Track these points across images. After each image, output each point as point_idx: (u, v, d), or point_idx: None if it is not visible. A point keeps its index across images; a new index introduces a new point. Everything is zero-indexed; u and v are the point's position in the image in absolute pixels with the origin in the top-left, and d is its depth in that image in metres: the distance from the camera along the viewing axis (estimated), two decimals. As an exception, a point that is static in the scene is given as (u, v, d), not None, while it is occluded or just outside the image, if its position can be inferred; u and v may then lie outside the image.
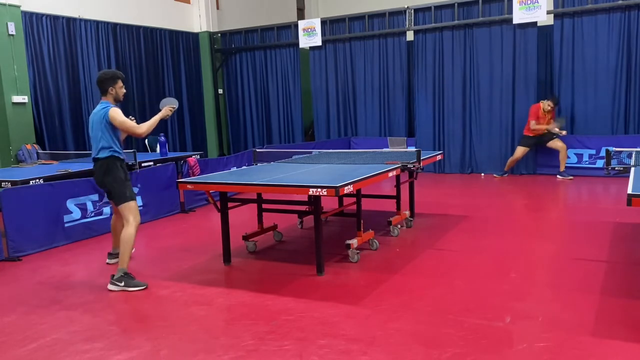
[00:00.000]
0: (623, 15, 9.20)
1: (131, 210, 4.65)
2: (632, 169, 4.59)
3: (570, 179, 9.24)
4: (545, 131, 9.29)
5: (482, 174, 10.19)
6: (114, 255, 5.25)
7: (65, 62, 9.99)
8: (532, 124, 9.26)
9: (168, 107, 4.94)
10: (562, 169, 9.37)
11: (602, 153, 9.08)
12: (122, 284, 4.50)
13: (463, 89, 10.52)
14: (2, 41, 8.76)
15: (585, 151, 9.54)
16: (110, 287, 4.53)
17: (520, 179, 9.62)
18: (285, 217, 6.41)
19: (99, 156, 4.68)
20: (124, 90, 4.81)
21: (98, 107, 4.71)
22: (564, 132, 9.34)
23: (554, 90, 9.92)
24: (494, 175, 9.88)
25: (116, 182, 4.67)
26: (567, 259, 4.92)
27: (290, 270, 4.91)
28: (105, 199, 6.60)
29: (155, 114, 4.86)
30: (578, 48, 9.56)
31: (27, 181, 5.95)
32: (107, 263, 5.29)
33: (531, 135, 9.39)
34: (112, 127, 4.64)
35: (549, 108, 9.19)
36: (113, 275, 4.57)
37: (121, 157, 4.74)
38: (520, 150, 9.55)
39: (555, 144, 9.35)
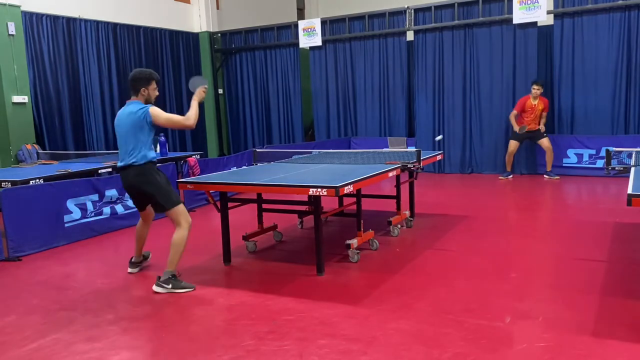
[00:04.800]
0: (623, 15, 9.20)
1: (181, 214, 4.48)
2: (632, 169, 4.59)
3: (557, 179, 9.27)
4: (536, 126, 9.28)
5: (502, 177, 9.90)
6: (136, 264, 5.00)
7: (65, 62, 10.00)
8: (512, 113, 9.33)
9: (201, 88, 4.60)
10: (548, 168, 9.42)
11: (602, 153, 9.08)
12: (170, 286, 4.37)
13: (463, 89, 10.52)
14: (2, 41, 8.77)
15: (585, 151, 9.54)
16: (156, 289, 4.38)
17: (520, 179, 9.62)
18: (285, 217, 6.40)
19: (133, 162, 4.42)
20: (157, 93, 4.59)
21: (131, 108, 4.44)
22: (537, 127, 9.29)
23: (554, 89, 9.92)
24: (500, 177, 9.81)
25: (160, 188, 4.46)
26: (567, 259, 4.92)
27: (290, 270, 4.91)
28: (106, 200, 6.61)
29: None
30: (578, 48, 9.56)
31: (27, 181, 5.95)
32: (130, 272, 4.96)
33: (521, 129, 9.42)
34: (154, 128, 4.45)
35: (538, 92, 9.16)
36: (159, 277, 4.43)
37: (156, 162, 4.59)
38: (511, 144, 9.56)
39: (543, 144, 9.36)
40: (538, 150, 9.72)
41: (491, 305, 3.87)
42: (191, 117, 4.45)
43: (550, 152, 9.33)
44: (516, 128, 9.30)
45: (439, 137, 5.30)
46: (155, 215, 4.88)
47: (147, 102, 4.52)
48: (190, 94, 4.75)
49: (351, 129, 11.99)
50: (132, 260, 5.03)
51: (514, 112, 9.41)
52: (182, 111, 12.56)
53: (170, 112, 12.20)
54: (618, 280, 4.32)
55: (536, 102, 9.24)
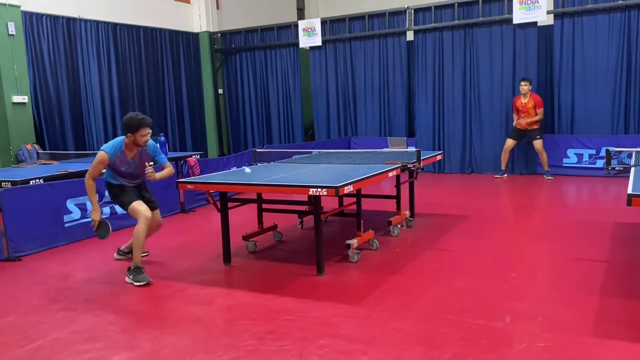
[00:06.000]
0: (623, 15, 9.20)
1: (135, 212, 4.89)
2: (632, 169, 4.59)
3: (550, 179, 9.28)
4: (531, 125, 9.28)
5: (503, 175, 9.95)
6: (122, 253, 5.49)
7: (65, 62, 10.00)
8: (522, 122, 9.32)
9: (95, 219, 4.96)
10: (546, 168, 9.43)
11: (602, 153, 9.07)
12: (131, 277, 4.66)
13: (463, 89, 10.52)
14: (2, 41, 8.77)
15: (585, 151, 9.54)
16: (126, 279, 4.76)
17: (520, 179, 9.62)
18: (285, 217, 6.40)
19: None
20: (147, 138, 4.83)
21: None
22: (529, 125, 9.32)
23: (554, 89, 9.93)
24: (495, 176, 9.86)
25: (117, 200, 5.05)
26: (567, 259, 4.92)
27: (290, 270, 4.91)
28: (106, 200, 6.61)
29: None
30: (578, 48, 9.56)
31: (27, 181, 5.95)
32: (115, 258, 5.51)
33: (518, 127, 9.44)
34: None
35: (525, 88, 9.18)
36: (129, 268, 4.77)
37: (114, 183, 4.98)
38: (508, 141, 9.59)
39: (536, 146, 9.37)
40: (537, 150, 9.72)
41: (491, 305, 3.87)
42: (87, 182, 4.82)
43: (541, 154, 9.35)
44: (535, 120, 9.32)
45: (248, 170, 5.51)
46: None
47: (135, 144, 4.81)
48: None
49: (351, 129, 11.99)
50: (122, 248, 5.45)
51: (514, 115, 9.50)
52: (181, 112, 12.56)
53: (170, 112, 12.30)
54: (618, 280, 4.32)
55: (526, 100, 9.26)
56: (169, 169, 5.07)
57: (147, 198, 5.09)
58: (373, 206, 6.95)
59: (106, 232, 4.96)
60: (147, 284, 4.58)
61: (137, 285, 4.57)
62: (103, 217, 6.51)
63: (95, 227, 4.95)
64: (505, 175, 9.78)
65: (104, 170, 4.94)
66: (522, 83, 9.26)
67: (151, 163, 4.94)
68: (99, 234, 4.98)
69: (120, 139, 4.87)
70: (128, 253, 5.36)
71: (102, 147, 4.84)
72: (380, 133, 11.56)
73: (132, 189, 5.02)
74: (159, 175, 4.93)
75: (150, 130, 4.85)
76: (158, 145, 5.12)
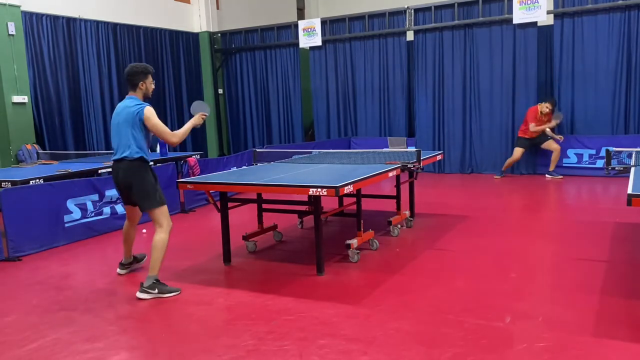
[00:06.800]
0: (623, 16, 9.20)
1: (163, 215, 4.43)
2: (632, 169, 4.59)
3: (561, 178, 9.29)
4: (544, 131, 9.29)
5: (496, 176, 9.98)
6: (126, 265, 4.97)
7: (65, 62, 10.00)
8: (532, 126, 9.26)
9: (201, 114, 4.64)
10: (552, 168, 9.44)
11: (602, 153, 9.08)
12: (156, 291, 4.28)
13: (463, 89, 10.52)
14: (2, 41, 8.77)
15: (585, 151, 9.55)
16: (141, 295, 4.27)
17: (520, 179, 9.62)
18: (285, 217, 6.40)
19: (125, 156, 4.36)
20: (154, 86, 4.56)
21: (127, 102, 4.41)
22: (561, 138, 9.34)
23: (554, 90, 9.93)
24: (495, 176, 9.87)
25: (147, 186, 4.41)
26: (567, 259, 4.92)
27: (290, 270, 4.91)
28: (106, 200, 6.61)
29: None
30: (578, 48, 9.56)
31: (27, 181, 5.95)
32: (118, 274, 4.93)
33: (527, 137, 9.43)
34: (144, 128, 4.37)
35: (547, 110, 9.20)
36: (142, 283, 4.33)
37: (149, 161, 4.51)
38: (518, 152, 9.57)
39: (550, 145, 9.38)
40: (538, 151, 9.72)
41: (491, 305, 3.87)
42: (178, 134, 4.44)
43: (558, 152, 9.35)
44: (554, 124, 9.27)
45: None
46: (143, 216, 4.80)
47: (145, 96, 4.49)
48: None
49: (351, 129, 11.99)
50: (122, 261, 4.99)
51: (532, 123, 9.26)
52: (181, 112, 12.56)
53: (170, 112, 12.29)
54: (618, 280, 4.32)
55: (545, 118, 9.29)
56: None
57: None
58: (373, 206, 6.95)
59: (203, 106, 4.72)
60: (179, 294, 4.36)
61: (168, 297, 4.30)
62: (103, 216, 6.58)
63: (205, 115, 4.65)
64: (502, 176, 9.81)
65: (142, 139, 4.42)
66: (549, 108, 9.15)
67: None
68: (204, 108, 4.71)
69: (134, 98, 4.43)
70: (132, 262, 5.03)
71: (140, 106, 4.34)
72: (380, 133, 11.56)
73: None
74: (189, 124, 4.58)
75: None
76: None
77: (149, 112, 4.34)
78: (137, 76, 4.42)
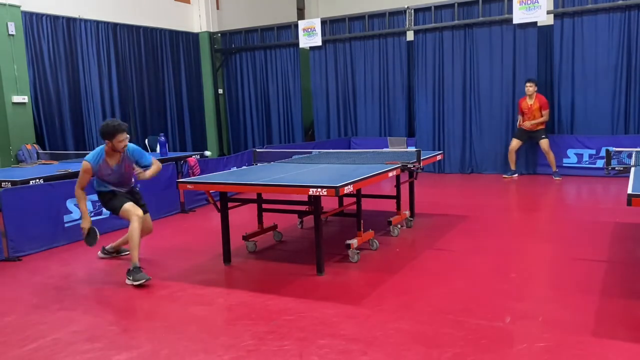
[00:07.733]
0: (623, 15, 9.20)
1: (127, 212, 4.93)
2: (632, 169, 4.59)
3: (558, 179, 9.26)
4: (536, 126, 9.27)
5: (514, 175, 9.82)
6: (107, 252, 5.58)
7: (65, 62, 10.00)
8: (527, 124, 9.31)
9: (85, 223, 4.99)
10: (554, 169, 9.42)
11: (602, 153, 9.07)
12: (131, 278, 4.64)
13: (463, 89, 10.52)
14: (2, 41, 8.77)
15: (585, 151, 9.54)
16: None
17: (520, 179, 9.61)
18: (285, 217, 6.40)
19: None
20: (124, 143, 4.85)
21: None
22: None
23: (554, 89, 9.92)
24: (504, 176, 9.82)
25: (114, 205, 5.01)
26: (567, 259, 4.92)
27: (290, 270, 4.91)
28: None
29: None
30: (578, 48, 9.56)
31: (27, 181, 5.95)
32: (99, 257, 5.55)
33: (524, 129, 9.43)
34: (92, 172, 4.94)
35: (531, 89, 9.17)
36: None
37: (105, 191, 5.05)
38: (513, 141, 9.59)
39: (542, 146, 9.37)
40: (538, 150, 9.71)
41: (491, 305, 3.87)
42: (76, 194, 4.95)
43: (548, 154, 9.34)
44: (545, 118, 9.32)
45: (208, 153, 5.77)
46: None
47: (114, 150, 4.87)
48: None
49: (351, 129, 11.98)
50: (106, 247, 5.51)
51: (518, 116, 9.47)
52: (181, 112, 12.56)
53: (170, 112, 12.29)
54: (618, 280, 4.32)
55: (532, 101, 9.25)
56: (155, 166, 5.12)
57: (139, 202, 5.14)
58: (373, 206, 6.95)
59: (94, 240, 4.99)
60: (146, 282, 4.58)
61: (136, 285, 4.56)
62: (103, 216, 6.58)
63: (84, 235, 4.98)
64: (516, 175, 9.72)
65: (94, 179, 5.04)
66: (528, 84, 9.22)
67: (134, 166, 5.01)
68: (87, 241, 5.00)
69: (100, 147, 4.94)
70: (112, 252, 5.54)
71: (85, 157, 4.94)
72: (380, 133, 11.56)
73: (124, 194, 5.07)
74: (148, 173, 5.00)
75: (128, 135, 4.89)
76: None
77: (82, 166, 4.89)
78: (104, 135, 4.81)
